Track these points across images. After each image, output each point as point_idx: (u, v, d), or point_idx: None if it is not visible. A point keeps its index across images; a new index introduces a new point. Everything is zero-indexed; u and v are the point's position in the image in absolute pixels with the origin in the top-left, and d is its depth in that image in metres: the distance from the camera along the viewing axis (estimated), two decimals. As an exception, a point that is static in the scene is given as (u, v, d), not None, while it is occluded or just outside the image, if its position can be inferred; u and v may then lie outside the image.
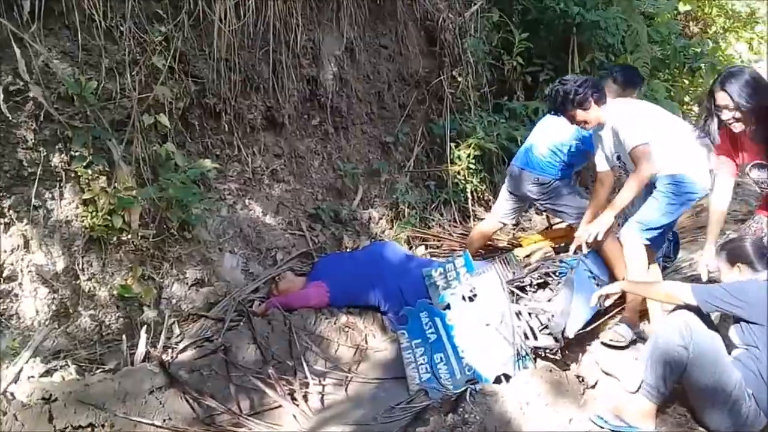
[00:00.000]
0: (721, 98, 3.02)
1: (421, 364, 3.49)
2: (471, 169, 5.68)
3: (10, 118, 3.13)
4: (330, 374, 3.51)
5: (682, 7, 8.79)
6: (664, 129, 3.53)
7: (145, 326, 3.44)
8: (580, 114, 3.58)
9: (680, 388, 2.93)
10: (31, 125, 3.26)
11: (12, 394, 2.78)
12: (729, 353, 2.86)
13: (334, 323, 3.85)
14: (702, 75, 8.58)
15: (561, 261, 3.91)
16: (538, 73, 6.71)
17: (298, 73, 4.66)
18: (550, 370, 3.24)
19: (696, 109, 10.05)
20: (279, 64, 4.45)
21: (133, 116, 3.54)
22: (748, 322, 2.78)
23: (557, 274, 3.71)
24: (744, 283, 2.87)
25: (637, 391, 2.95)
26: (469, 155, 5.62)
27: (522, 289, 3.67)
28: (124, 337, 3.36)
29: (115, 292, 3.54)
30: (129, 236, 3.59)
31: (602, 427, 2.91)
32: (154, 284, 3.69)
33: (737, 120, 3.05)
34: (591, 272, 3.81)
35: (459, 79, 5.74)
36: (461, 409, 2.85)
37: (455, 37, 5.87)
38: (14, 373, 2.99)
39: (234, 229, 4.29)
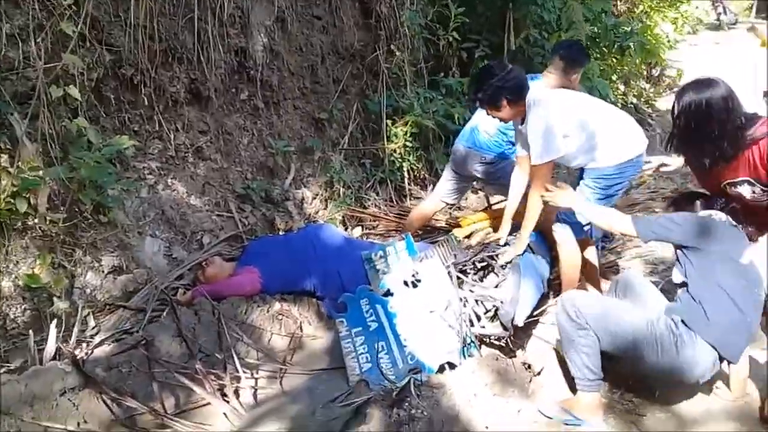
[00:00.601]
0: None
1: (362, 353, 3.31)
2: (408, 146, 5.51)
3: None
4: (263, 366, 3.29)
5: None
6: (589, 121, 3.44)
7: (56, 319, 3.11)
8: (492, 111, 3.49)
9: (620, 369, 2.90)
10: None
11: None
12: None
13: (267, 311, 3.60)
14: (631, 54, 8.68)
15: (506, 243, 3.81)
16: (473, 49, 6.58)
17: (225, 43, 4.33)
18: (497, 358, 3.13)
19: (622, 88, 10.22)
20: (204, 33, 4.12)
21: (38, 88, 3.16)
22: (684, 247, 2.78)
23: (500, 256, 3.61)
24: (685, 213, 2.91)
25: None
26: (405, 133, 5.44)
27: (464, 272, 3.55)
28: (31, 331, 3.01)
29: (20, 283, 3.18)
30: (36, 221, 3.23)
31: (551, 418, 2.82)
32: (65, 273, 3.33)
33: None
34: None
35: (397, 53, 5.53)
36: (407, 404, 2.70)
37: (391, 10, 5.65)
38: None
39: (155, 211, 3.97)
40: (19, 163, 3.11)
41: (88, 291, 3.43)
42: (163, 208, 4.00)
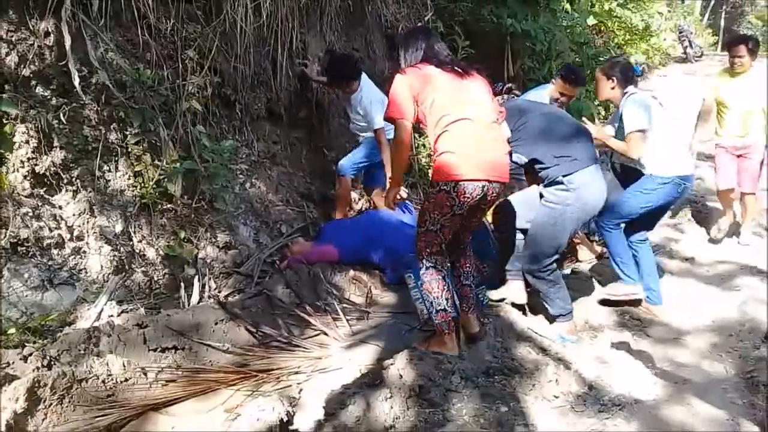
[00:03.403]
0: None
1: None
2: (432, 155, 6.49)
3: (86, 99, 3.67)
4: (352, 312, 4.20)
5: (590, 21, 10.05)
6: None
7: (197, 276, 4.02)
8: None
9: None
10: (94, 107, 3.80)
11: (113, 321, 3.31)
12: None
13: (345, 276, 4.53)
14: (612, 80, 9.80)
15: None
16: (478, 76, 7.65)
17: (291, 71, 5.34)
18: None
19: (603, 111, 11.39)
20: (277, 62, 5.12)
21: (178, 102, 4.13)
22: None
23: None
24: None
25: None
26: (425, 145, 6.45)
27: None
28: (182, 283, 3.93)
29: (161, 252, 4.08)
30: (171, 204, 4.16)
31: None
32: (192, 246, 4.25)
33: None
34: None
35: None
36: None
37: (411, 43, 6.71)
38: (96, 313, 3.52)
39: (246, 204, 4.90)
40: (161, 158, 4.05)
41: (208, 261, 4.33)
42: (251, 201, 4.93)
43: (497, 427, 2.60)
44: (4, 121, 3.39)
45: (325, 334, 3.86)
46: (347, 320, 4.06)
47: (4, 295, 3.38)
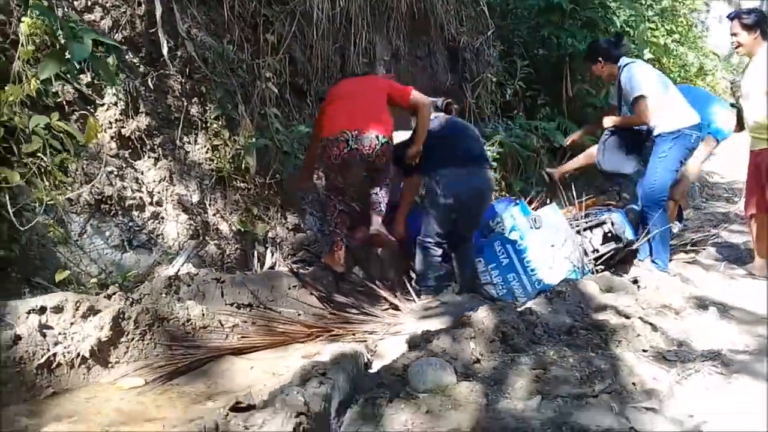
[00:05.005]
0: None
1: (497, 283, 4.17)
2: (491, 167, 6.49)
3: (171, 70, 3.81)
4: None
5: (648, 55, 10.03)
6: None
7: (270, 247, 4.04)
8: None
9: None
10: (178, 78, 3.94)
11: (192, 273, 3.35)
12: None
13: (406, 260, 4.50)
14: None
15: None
16: (536, 96, 7.70)
17: (358, 69, 5.45)
18: (607, 276, 3.96)
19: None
20: (348, 59, 5.25)
21: (254, 83, 4.25)
22: None
23: (596, 214, 4.51)
24: None
25: None
26: (491, 152, 6.43)
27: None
28: (255, 253, 3.95)
29: (233, 228, 4.12)
30: (245, 183, 4.22)
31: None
32: (264, 224, 4.29)
33: None
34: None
35: (479, 90, 6.64)
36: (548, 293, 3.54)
37: (472, 57, 6.83)
38: (174, 271, 3.55)
39: (312, 194, 4.94)
40: (238, 134, 4.15)
41: (278, 240, 4.36)
42: (317, 191, 4.97)
43: (589, 366, 2.51)
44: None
45: (396, 308, 3.83)
46: (416, 296, 4.02)
47: (86, 251, 3.45)
